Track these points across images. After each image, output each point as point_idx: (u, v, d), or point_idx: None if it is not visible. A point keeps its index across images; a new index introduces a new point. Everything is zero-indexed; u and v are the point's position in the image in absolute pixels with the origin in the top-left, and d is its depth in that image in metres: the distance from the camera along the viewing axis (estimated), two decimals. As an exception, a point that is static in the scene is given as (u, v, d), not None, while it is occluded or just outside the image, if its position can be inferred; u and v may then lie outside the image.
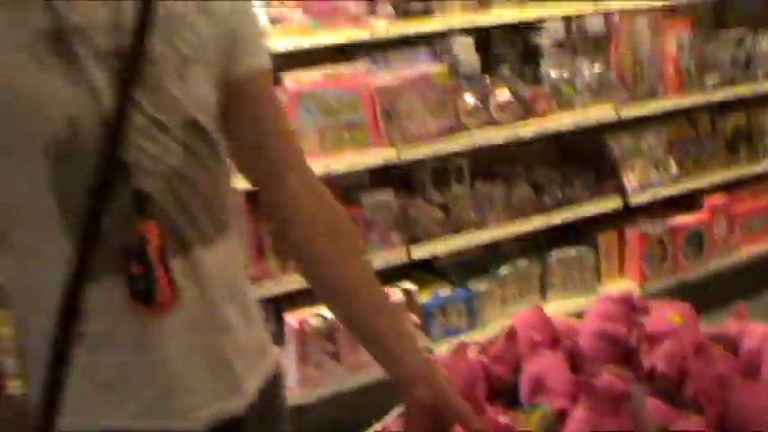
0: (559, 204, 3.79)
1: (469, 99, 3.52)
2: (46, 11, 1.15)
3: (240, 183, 1.40)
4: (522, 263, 3.79)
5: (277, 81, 3.04)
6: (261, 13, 3.13)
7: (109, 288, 1.17)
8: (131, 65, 1.18)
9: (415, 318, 3.44)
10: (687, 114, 4.21)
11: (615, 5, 3.93)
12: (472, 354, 1.53)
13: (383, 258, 3.33)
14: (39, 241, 1.18)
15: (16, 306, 1.26)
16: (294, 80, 3.23)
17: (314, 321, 3.20)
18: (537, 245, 3.87)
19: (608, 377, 1.34)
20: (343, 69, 3.34)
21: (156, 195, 1.18)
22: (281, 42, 3.11)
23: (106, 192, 1.14)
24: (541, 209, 3.75)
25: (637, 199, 3.98)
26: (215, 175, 1.26)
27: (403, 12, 3.47)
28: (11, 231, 1.20)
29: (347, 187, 3.36)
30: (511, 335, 1.53)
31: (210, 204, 1.26)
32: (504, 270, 3.73)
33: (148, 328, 1.19)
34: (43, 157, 1.14)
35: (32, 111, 1.14)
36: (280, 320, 3.23)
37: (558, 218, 3.79)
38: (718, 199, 4.22)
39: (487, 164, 3.76)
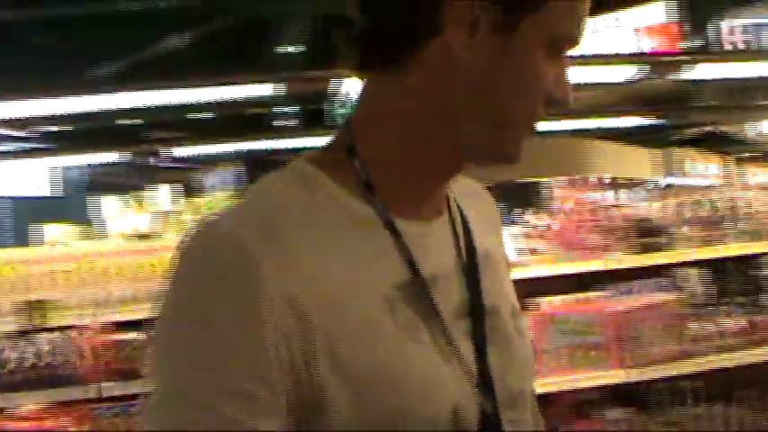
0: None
1: (700, 326, 3.87)
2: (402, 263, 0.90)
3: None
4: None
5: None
6: (520, 244, 3.72)
7: None
8: (479, 319, 0.92)
9: None
10: None
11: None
12: None
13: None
14: None
15: None
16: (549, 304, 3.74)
17: None
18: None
19: None
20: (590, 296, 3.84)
21: None
22: (536, 270, 3.66)
23: None
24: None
25: None
26: None
27: (641, 246, 3.94)
28: None
29: (585, 401, 3.75)
30: None
31: None
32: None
33: None
34: None
35: (419, 394, 0.85)
36: None
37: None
38: None
39: (721, 387, 4.03)
